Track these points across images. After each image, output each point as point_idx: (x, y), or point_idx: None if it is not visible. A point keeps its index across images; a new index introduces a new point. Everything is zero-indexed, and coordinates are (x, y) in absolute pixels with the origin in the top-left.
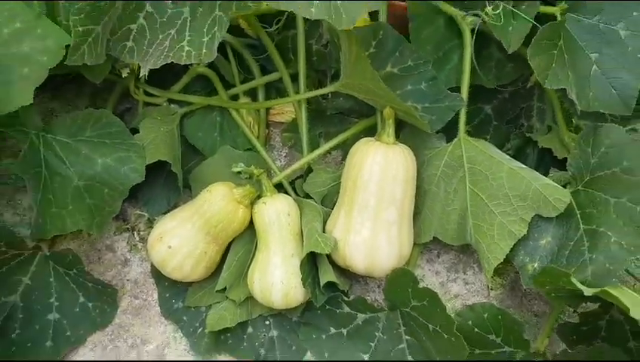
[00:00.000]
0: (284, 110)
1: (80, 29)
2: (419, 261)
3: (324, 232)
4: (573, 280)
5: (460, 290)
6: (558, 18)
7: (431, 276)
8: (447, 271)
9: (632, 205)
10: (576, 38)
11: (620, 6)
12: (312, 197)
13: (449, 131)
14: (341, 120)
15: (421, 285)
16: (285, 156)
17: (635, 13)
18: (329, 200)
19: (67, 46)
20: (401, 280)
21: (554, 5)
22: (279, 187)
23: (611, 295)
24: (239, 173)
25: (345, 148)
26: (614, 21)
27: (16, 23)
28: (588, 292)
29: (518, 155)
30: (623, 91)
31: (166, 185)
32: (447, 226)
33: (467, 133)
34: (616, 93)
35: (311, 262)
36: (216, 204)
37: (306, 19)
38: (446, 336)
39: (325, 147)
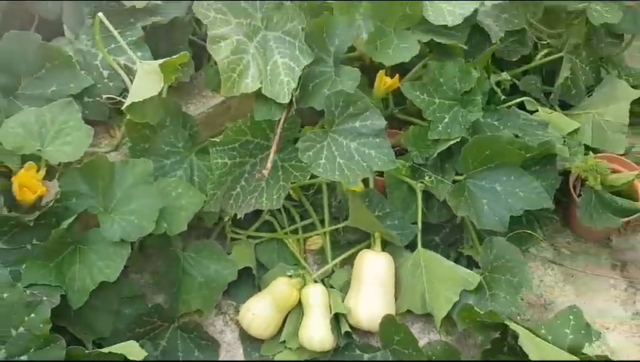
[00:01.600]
0: (316, 242)
1: (212, 192)
2: None
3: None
4: (478, 309)
5: (426, 342)
6: (463, 181)
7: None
8: (418, 333)
9: (512, 278)
10: (473, 191)
11: (496, 174)
12: (334, 288)
13: (413, 247)
14: (349, 247)
15: None
16: (317, 269)
17: (504, 178)
18: (345, 289)
19: (204, 201)
20: (387, 322)
21: (461, 175)
22: (315, 281)
23: (510, 329)
24: (290, 276)
25: (351, 262)
26: (493, 182)
27: (179, 189)
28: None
29: (455, 262)
30: (500, 218)
31: (246, 286)
32: (415, 301)
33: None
34: (497, 220)
35: (335, 322)
36: (281, 288)
37: (328, 186)
38: (414, 354)
39: (340, 258)
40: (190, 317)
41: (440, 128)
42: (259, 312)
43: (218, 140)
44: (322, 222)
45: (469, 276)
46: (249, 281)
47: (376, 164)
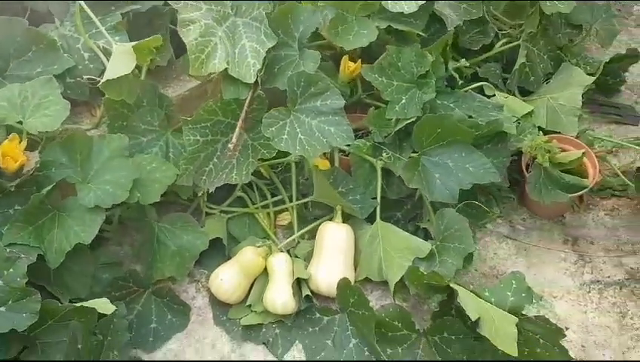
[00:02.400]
0: (285, 218)
1: (184, 167)
2: None
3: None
4: (423, 272)
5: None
6: (417, 157)
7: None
8: (376, 300)
9: (460, 245)
10: (427, 166)
11: (448, 151)
12: (299, 257)
13: (373, 219)
14: (314, 220)
15: None
16: (284, 237)
17: (455, 155)
18: (309, 258)
19: (177, 175)
20: (343, 285)
21: (416, 152)
22: (280, 251)
23: (453, 289)
24: (259, 247)
25: (314, 233)
26: (445, 159)
27: (153, 164)
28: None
29: (413, 234)
30: (451, 191)
31: (217, 255)
32: (372, 269)
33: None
34: (448, 192)
35: (297, 287)
36: (248, 257)
37: (296, 164)
38: (366, 314)
39: (305, 229)
40: (164, 283)
41: (397, 108)
42: (227, 278)
43: (190, 119)
44: (291, 198)
45: (422, 245)
46: (221, 252)
47: (335, 140)
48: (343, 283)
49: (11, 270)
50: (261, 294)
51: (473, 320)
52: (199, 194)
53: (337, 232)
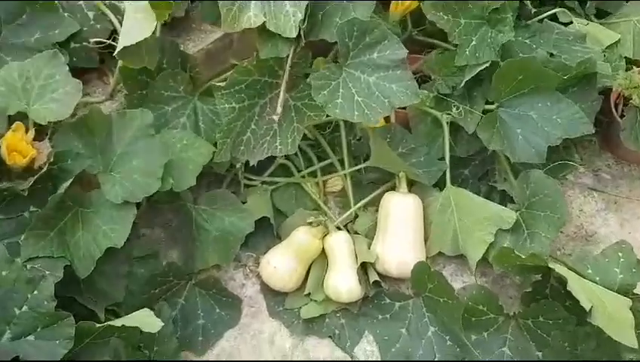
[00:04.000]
0: (335, 183)
1: (222, 140)
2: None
3: (370, 249)
4: (518, 253)
5: (460, 285)
6: (494, 111)
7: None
8: (451, 276)
9: (552, 214)
10: (506, 121)
11: (530, 100)
12: (359, 233)
13: (441, 184)
14: (372, 187)
15: None
16: (339, 213)
17: (539, 105)
18: (371, 233)
19: (213, 152)
20: (420, 270)
21: (492, 104)
22: (337, 227)
23: (553, 271)
24: (311, 223)
25: (375, 203)
26: (528, 110)
27: (184, 141)
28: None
29: (487, 196)
30: (537, 149)
31: (265, 235)
32: (446, 242)
33: (454, 186)
34: (534, 151)
35: (362, 271)
36: (302, 238)
37: (345, 123)
38: (450, 302)
39: (364, 201)
40: (208, 272)
41: (467, 52)
42: (279, 265)
43: (223, 84)
44: (341, 162)
45: (504, 213)
46: (268, 230)
47: (398, 98)
48: (420, 267)
49: (35, 292)
50: (320, 280)
51: (587, 310)
52: (237, 166)
53: (404, 204)
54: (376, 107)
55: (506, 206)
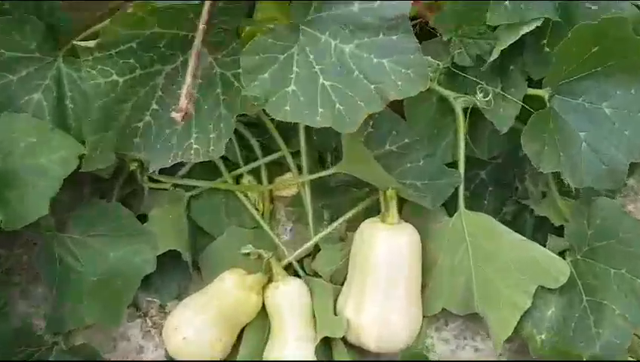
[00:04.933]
0: (288, 186)
1: (92, 138)
2: (427, 329)
3: (335, 309)
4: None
5: (469, 357)
6: (546, 100)
7: (441, 344)
8: (455, 339)
9: (631, 277)
10: (564, 118)
11: (605, 85)
12: (320, 276)
13: (450, 203)
14: (344, 191)
15: (432, 357)
16: (290, 230)
17: (618, 92)
18: (338, 276)
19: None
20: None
21: (540, 86)
22: (287, 267)
23: None
24: (248, 254)
25: (350, 220)
26: (599, 100)
27: (32, 137)
28: None
29: (515, 221)
30: (612, 166)
31: (176, 270)
32: (455, 297)
33: (465, 198)
34: (606, 169)
35: (325, 345)
36: (230, 293)
37: None
38: None
39: (330, 228)
40: (87, 331)
41: (507, 3)
42: (192, 334)
43: (93, 43)
44: (297, 156)
45: (551, 262)
46: (180, 262)
47: (393, 85)
48: (412, 356)
49: None
50: (257, 354)
51: None
52: (131, 168)
53: (394, 244)
54: (354, 100)
55: (545, 239)
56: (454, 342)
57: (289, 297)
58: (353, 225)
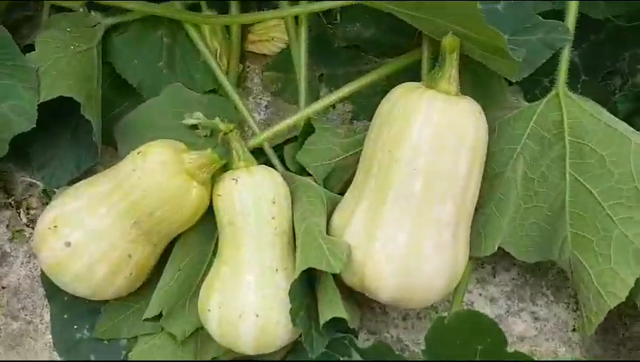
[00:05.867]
0: (269, 36)
1: None
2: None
3: (329, 232)
4: None
5: (526, 330)
6: None
7: (483, 305)
8: (507, 299)
9: None
10: None
11: None
12: (309, 174)
13: (531, 83)
14: (354, 57)
15: None
16: (266, 107)
17: None
18: (336, 181)
19: None
20: (463, 328)
21: None
22: (258, 155)
23: None
24: (195, 127)
25: (360, 100)
26: None
27: None
28: None
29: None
30: None
31: (76, 140)
32: (523, 233)
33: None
34: None
35: (305, 283)
36: (154, 176)
37: None
38: None
39: (333, 96)
40: None
41: None
42: (82, 242)
43: None
44: None
45: None
46: (83, 128)
47: None
48: (465, 318)
49: None
50: (191, 287)
51: None
52: None
53: (451, 125)
54: None
55: None
56: (504, 303)
57: (254, 196)
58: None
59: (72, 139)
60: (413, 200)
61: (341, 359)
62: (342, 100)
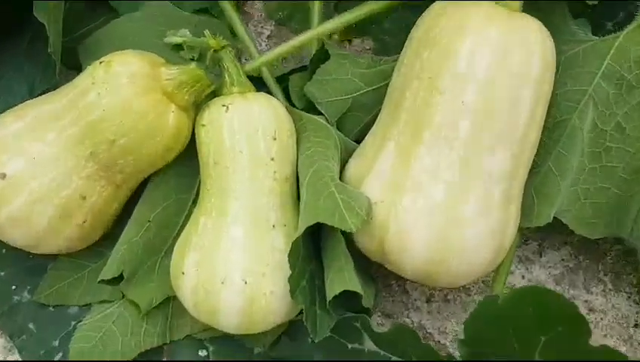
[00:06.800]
0: None
1: None
2: None
3: (344, 181)
4: None
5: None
6: None
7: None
8: (555, 284)
9: None
10: None
11: None
12: (319, 113)
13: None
14: None
15: None
16: (269, 37)
17: None
18: (353, 124)
19: None
20: (524, 310)
21: None
22: (257, 87)
23: None
24: (179, 48)
25: (383, 37)
26: None
27: None
28: None
29: None
30: None
31: (30, 56)
32: (587, 199)
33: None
34: None
35: (309, 245)
36: (119, 91)
37: None
38: None
39: (352, 15)
40: None
41: None
42: (22, 169)
43: None
44: None
45: None
46: (39, 42)
47: None
48: (535, 296)
49: None
50: (163, 243)
51: None
52: None
53: (512, 47)
54: None
55: None
56: (552, 288)
57: (249, 128)
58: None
59: (25, 55)
60: (456, 144)
61: (350, 346)
62: (361, 34)
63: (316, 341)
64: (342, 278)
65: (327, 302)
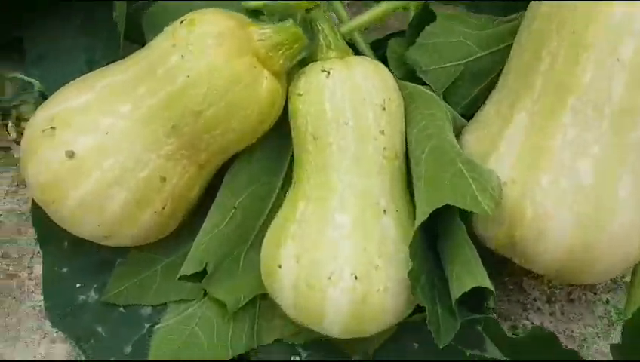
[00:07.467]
0: None
1: None
2: None
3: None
4: None
5: None
6: None
7: None
8: None
9: None
10: None
11: None
12: (423, 83)
13: None
14: None
15: None
16: (349, 5)
17: None
18: (462, 95)
19: None
20: None
21: None
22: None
23: None
24: (258, 13)
25: None
26: None
27: None
28: None
29: None
30: None
31: (89, 27)
32: None
33: None
34: None
35: (428, 233)
36: (205, 54)
37: None
38: None
39: None
40: None
41: None
42: (93, 147)
43: None
44: None
45: None
46: (100, 12)
47: None
48: None
49: None
50: (250, 231)
51: None
52: None
53: None
54: None
55: None
56: None
57: (354, 96)
58: None
59: (83, 25)
60: (607, 110)
61: (468, 353)
62: None
63: (441, 347)
64: (470, 272)
65: (453, 301)
